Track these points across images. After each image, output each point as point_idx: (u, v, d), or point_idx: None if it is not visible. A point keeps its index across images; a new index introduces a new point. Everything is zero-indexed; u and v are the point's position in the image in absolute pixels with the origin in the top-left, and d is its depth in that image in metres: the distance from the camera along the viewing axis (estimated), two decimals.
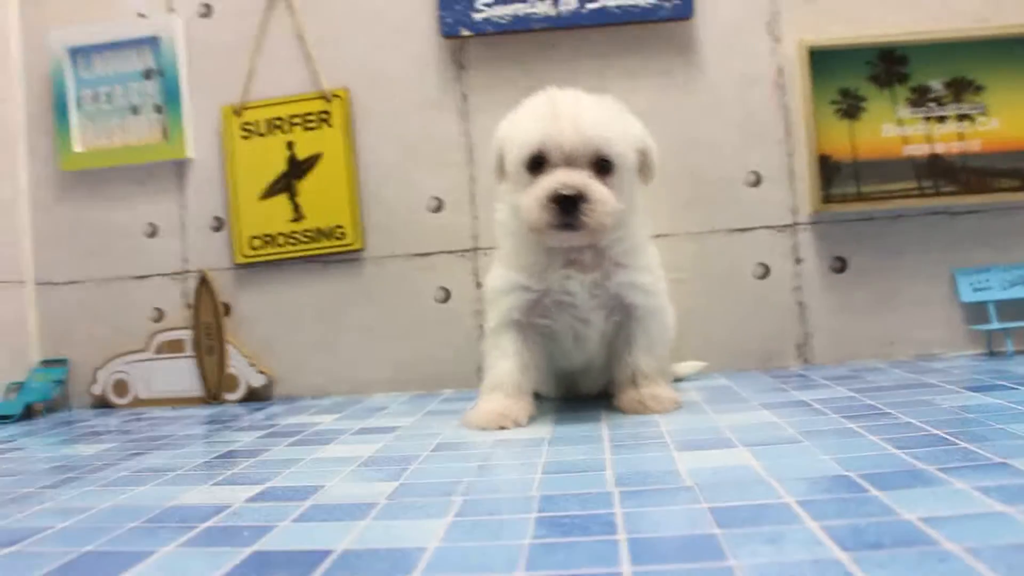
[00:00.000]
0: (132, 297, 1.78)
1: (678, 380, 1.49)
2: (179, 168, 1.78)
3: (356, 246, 1.70)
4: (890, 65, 1.61)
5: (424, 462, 0.97)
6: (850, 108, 1.61)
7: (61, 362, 1.78)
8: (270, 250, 1.72)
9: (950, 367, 1.43)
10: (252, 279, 1.74)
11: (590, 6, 1.63)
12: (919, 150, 1.60)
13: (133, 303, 1.78)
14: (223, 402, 1.70)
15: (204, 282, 1.72)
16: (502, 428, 1.15)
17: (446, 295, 1.69)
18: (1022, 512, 0.62)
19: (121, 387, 1.74)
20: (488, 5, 1.64)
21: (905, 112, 1.60)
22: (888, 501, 0.67)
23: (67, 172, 1.80)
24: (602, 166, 1.15)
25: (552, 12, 1.63)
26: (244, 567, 0.63)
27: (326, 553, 0.65)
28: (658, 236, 1.57)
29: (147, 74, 1.78)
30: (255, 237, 1.73)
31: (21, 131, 1.83)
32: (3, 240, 1.76)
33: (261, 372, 1.70)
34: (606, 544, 0.63)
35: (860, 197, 1.60)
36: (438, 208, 1.70)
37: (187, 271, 1.76)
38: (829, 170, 1.60)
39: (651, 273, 1.27)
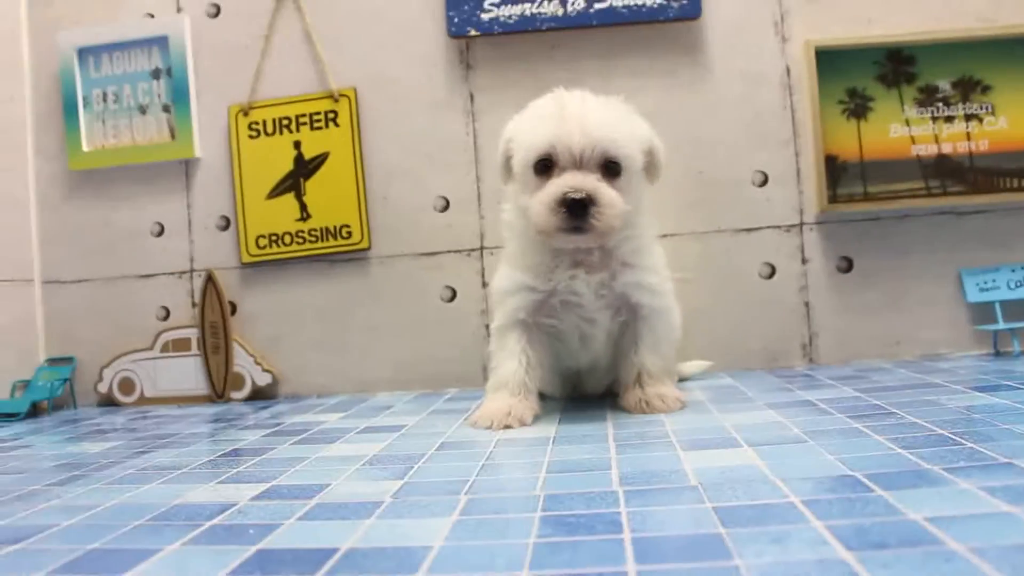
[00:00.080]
0: (139, 296, 1.79)
1: (683, 380, 1.49)
2: (186, 167, 1.78)
3: (362, 245, 1.70)
4: (897, 65, 1.60)
5: (429, 461, 0.98)
6: (857, 108, 1.60)
7: (67, 360, 1.78)
8: (276, 249, 1.73)
9: (956, 367, 1.43)
10: (258, 278, 1.75)
11: (598, 6, 1.63)
12: (926, 150, 1.60)
13: (140, 302, 1.78)
14: (229, 400, 1.71)
15: (210, 281, 1.72)
16: (507, 427, 1.15)
17: (452, 294, 1.69)
18: None
19: (127, 385, 1.75)
20: (496, 5, 1.64)
21: (912, 112, 1.60)
22: (893, 501, 0.67)
23: (75, 171, 1.81)
24: (610, 168, 1.15)
25: (560, 12, 1.63)
26: (249, 565, 0.63)
27: (331, 551, 0.65)
28: (664, 236, 1.57)
29: (155, 74, 1.79)
30: (262, 236, 1.73)
31: (29, 130, 1.83)
32: (11, 239, 1.77)
33: (267, 371, 1.70)
34: (611, 543, 0.62)
35: (867, 197, 1.59)
36: (445, 208, 1.70)
37: (194, 270, 1.77)
38: (836, 170, 1.60)
39: (657, 273, 1.27)
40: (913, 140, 1.60)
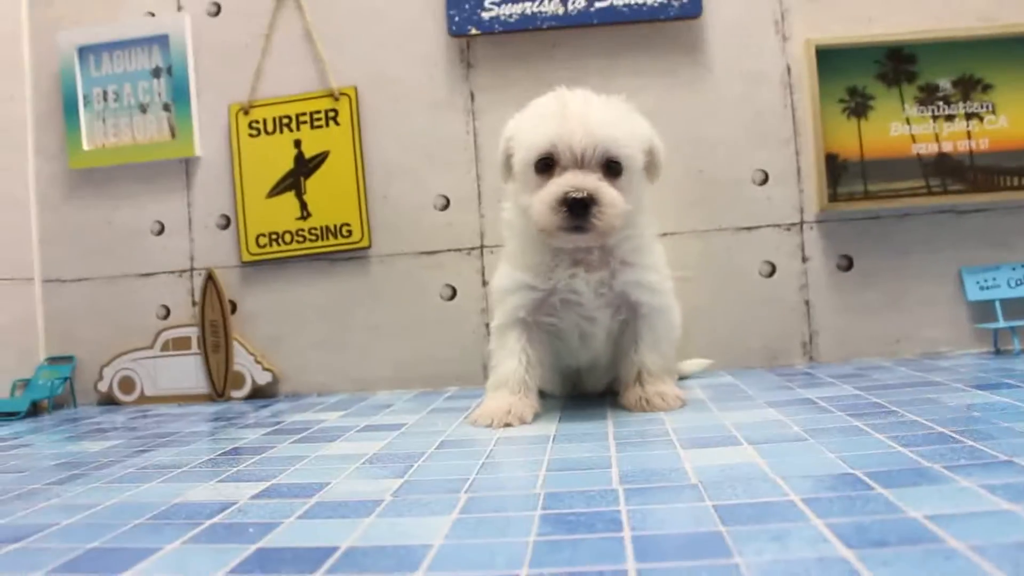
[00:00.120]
0: (139, 295, 1.79)
1: (683, 378, 1.49)
2: (187, 166, 1.78)
3: (363, 244, 1.70)
4: (898, 64, 1.60)
5: (429, 459, 0.98)
6: (858, 107, 1.60)
7: (68, 359, 1.78)
8: (277, 248, 1.73)
9: (956, 365, 1.43)
10: (259, 277, 1.75)
11: (598, 5, 1.63)
12: (927, 149, 1.60)
13: (140, 301, 1.78)
14: (229, 399, 1.71)
15: (211, 280, 1.72)
16: (507, 426, 1.15)
17: (452, 293, 1.69)
18: None
19: (127, 384, 1.75)
20: (496, 4, 1.64)
21: (913, 111, 1.60)
22: (893, 499, 0.67)
23: (75, 170, 1.81)
24: (611, 167, 1.15)
25: (560, 11, 1.63)
26: (249, 564, 0.63)
27: (331, 550, 0.65)
28: (665, 235, 1.57)
29: (156, 72, 1.79)
30: (262, 235, 1.73)
31: (29, 129, 1.84)
32: (11, 238, 1.77)
33: (267, 369, 1.70)
34: (611, 541, 0.62)
35: (867, 196, 1.59)
36: (445, 206, 1.70)
37: (194, 269, 1.77)
38: (836, 169, 1.60)
39: (657, 272, 1.27)
40: (914, 139, 1.60)
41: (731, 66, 1.65)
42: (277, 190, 1.73)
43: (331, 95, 1.72)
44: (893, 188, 1.59)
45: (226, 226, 1.76)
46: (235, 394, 1.71)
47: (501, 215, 1.33)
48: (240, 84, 1.76)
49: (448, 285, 1.69)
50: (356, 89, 1.71)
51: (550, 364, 1.28)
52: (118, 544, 0.71)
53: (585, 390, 1.39)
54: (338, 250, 1.71)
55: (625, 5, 1.62)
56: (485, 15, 1.65)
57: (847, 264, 1.62)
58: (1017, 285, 1.57)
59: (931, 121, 1.60)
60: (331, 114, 1.72)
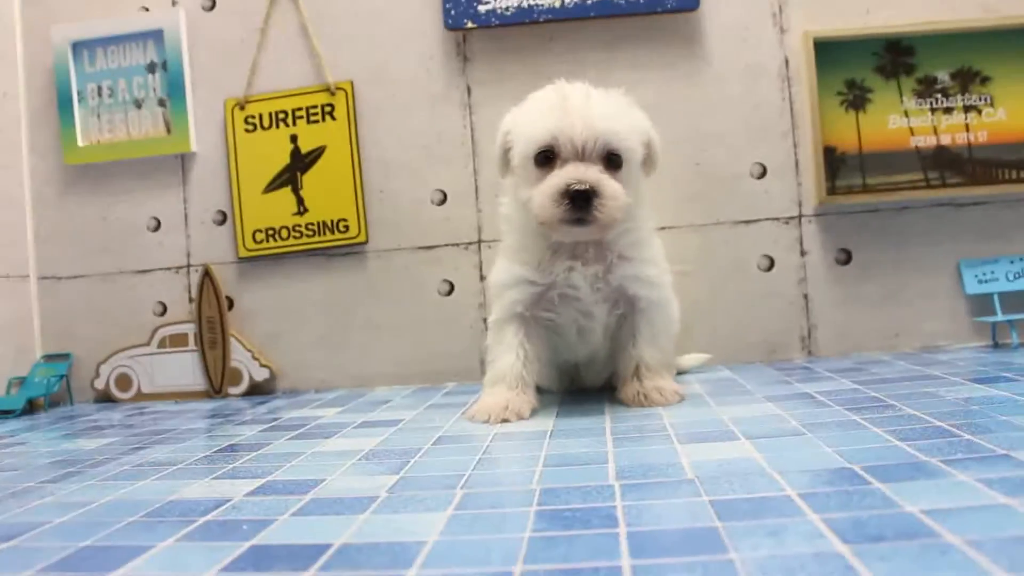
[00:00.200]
0: (135, 291, 1.78)
1: (682, 372, 1.49)
2: (182, 162, 1.78)
3: (360, 239, 1.70)
4: (896, 56, 1.60)
5: (426, 455, 0.97)
6: (856, 99, 1.60)
7: (64, 356, 1.78)
8: (273, 244, 1.72)
9: (955, 359, 1.43)
10: (255, 273, 1.74)
11: None
12: (925, 141, 1.59)
13: (136, 297, 1.78)
14: (226, 396, 1.70)
15: (207, 276, 1.72)
16: (505, 421, 1.15)
17: (450, 288, 1.68)
18: None
19: (124, 381, 1.74)
20: None
21: (911, 103, 1.59)
22: (891, 493, 0.66)
23: (70, 166, 1.80)
24: (612, 160, 1.14)
25: (557, 3, 1.62)
26: (242, 561, 0.63)
27: (325, 547, 0.65)
28: (663, 228, 1.57)
29: (151, 68, 1.78)
30: (259, 231, 1.72)
31: (24, 126, 1.83)
32: (6, 235, 1.76)
33: (264, 366, 1.70)
34: (606, 537, 0.62)
35: (865, 189, 1.59)
36: (442, 201, 1.69)
37: (191, 265, 1.76)
38: (834, 162, 1.59)
39: (655, 266, 1.26)
40: (912, 131, 1.59)
41: (729, 59, 1.64)
42: (274, 185, 1.73)
43: (327, 90, 1.71)
44: (892, 181, 1.59)
45: (222, 222, 1.76)
46: (232, 391, 1.70)
47: (499, 210, 1.32)
48: (236, 79, 1.75)
49: (446, 280, 1.68)
50: (352, 83, 1.71)
51: (548, 359, 1.28)
52: (111, 542, 0.70)
53: (583, 385, 1.39)
54: (335, 245, 1.71)
55: None
56: (481, 8, 1.64)
57: (846, 258, 1.62)
58: (1015, 279, 1.57)
59: (929, 114, 1.59)
60: (327, 109, 1.71)
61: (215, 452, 1.09)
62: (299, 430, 1.22)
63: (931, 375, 1.27)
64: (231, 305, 1.74)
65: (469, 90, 1.69)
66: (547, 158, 1.14)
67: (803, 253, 1.62)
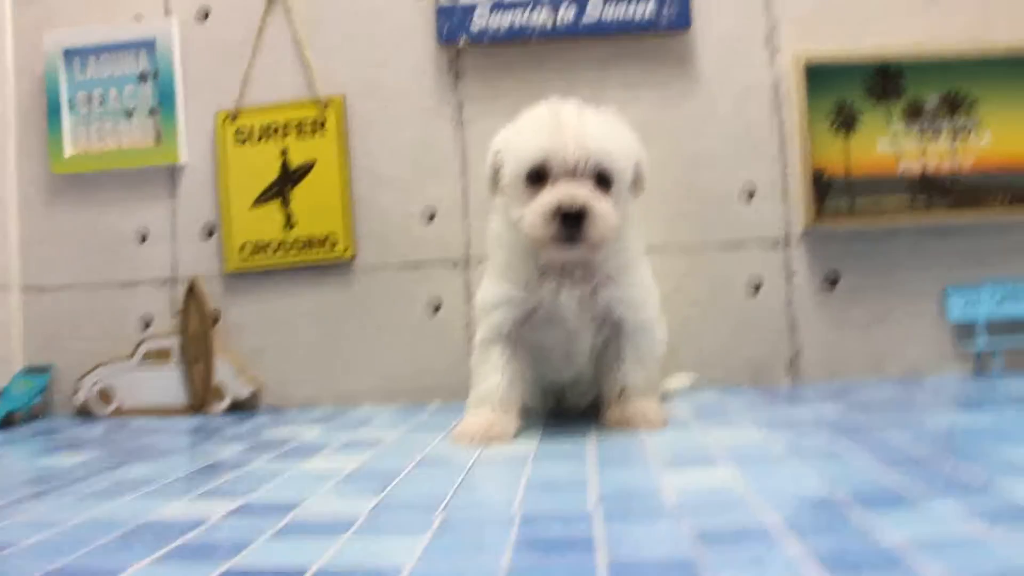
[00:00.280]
0: (120, 304, 1.76)
1: (667, 395, 1.48)
2: (171, 173, 1.77)
3: (348, 255, 1.69)
4: (886, 80, 1.60)
5: (407, 477, 0.96)
6: (845, 122, 1.60)
7: (44, 369, 1.76)
8: (261, 258, 1.71)
9: (939, 385, 1.43)
10: (242, 287, 1.73)
11: (587, 17, 1.62)
12: (913, 166, 1.60)
13: (121, 310, 1.76)
14: (209, 412, 1.68)
15: (193, 290, 1.70)
16: (488, 442, 1.14)
17: (437, 306, 1.68)
18: (1006, 535, 0.61)
19: (105, 396, 1.72)
20: (486, 14, 1.64)
21: (899, 127, 1.60)
22: (873, 523, 0.66)
23: (58, 175, 1.79)
24: (602, 180, 1.14)
25: (549, 23, 1.63)
26: None
27: (301, 572, 0.64)
28: (651, 249, 1.56)
29: (142, 77, 1.77)
30: (246, 245, 1.72)
31: (12, 132, 1.81)
32: None
33: (248, 382, 1.68)
34: (585, 565, 0.61)
35: (853, 213, 1.59)
36: (431, 218, 1.69)
37: (176, 278, 1.75)
38: (822, 185, 1.59)
39: (643, 288, 1.26)
40: (900, 156, 1.60)
41: (720, 79, 1.65)
42: (262, 199, 1.72)
43: (318, 103, 1.71)
44: (879, 206, 1.59)
45: (210, 235, 1.75)
46: (215, 407, 1.68)
47: (488, 228, 1.32)
48: (227, 91, 1.74)
49: (433, 298, 1.68)
50: (344, 97, 1.70)
51: (533, 380, 1.27)
52: (84, 563, 0.69)
53: (568, 406, 1.38)
54: (323, 261, 1.70)
55: (614, 18, 1.62)
56: (474, 25, 1.64)
57: (833, 281, 1.62)
58: (999, 305, 1.57)
59: (917, 138, 1.60)
60: (318, 123, 1.71)
61: (195, 471, 1.08)
62: (281, 449, 1.21)
63: (915, 401, 1.27)
64: (217, 320, 1.72)
65: (461, 106, 1.69)
66: (538, 176, 1.14)
67: (790, 276, 1.62)
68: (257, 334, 1.72)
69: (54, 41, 1.78)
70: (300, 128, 1.71)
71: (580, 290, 1.20)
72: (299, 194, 1.71)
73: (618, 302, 1.21)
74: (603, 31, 1.62)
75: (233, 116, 1.73)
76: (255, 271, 1.72)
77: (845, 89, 1.61)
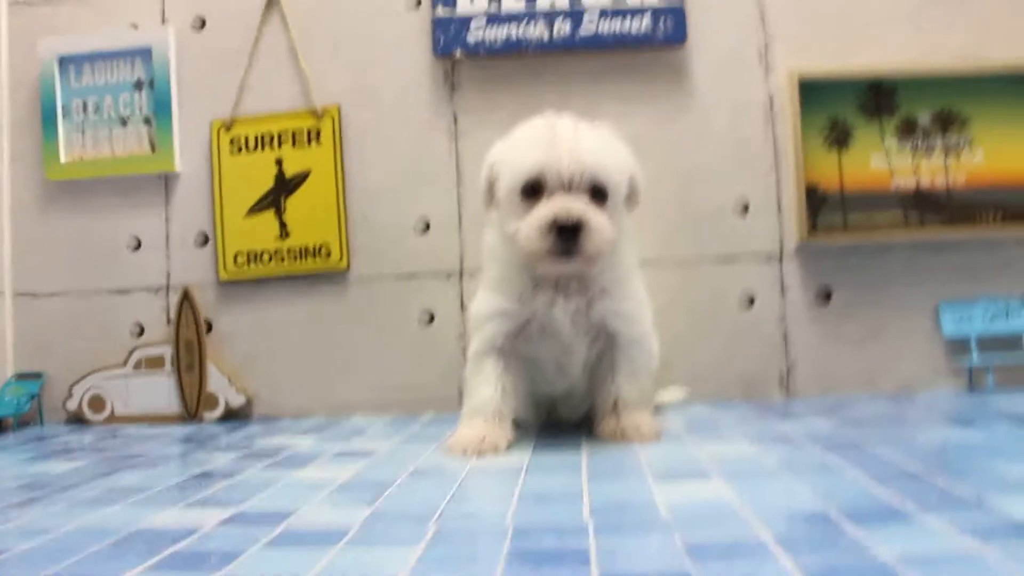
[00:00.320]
0: (113, 311, 1.76)
1: (660, 408, 1.48)
2: (166, 181, 1.77)
3: (342, 265, 1.69)
4: (879, 97, 1.61)
5: (400, 488, 0.96)
6: (839, 138, 1.61)
7: (36, 376, 1.75)
8: (255, 267, 1.71)
9: (932, 401, 1.43)
10: (236, 296, 1.73)
11: (583, 31, 1.63)
12: (906, 182, 1.61)
13: (114, 317, 1.76)
14: (201, 421, 1.68)
15: (186, 298, 1.70)
16: (481, 454, 1.14)
17: (431, 317, 1.68)
18: (999, 551, 0.61)
19: (97, 403, 1.72)
20: (482, 27, 1.65)
21: (893, 143, 1.61)
22: (865, 538, 0.66)
23: (52, 182, 1.78)
24: (598, 193, 1.14)
25: (545, 36, 1.64)
26: None
27: None
28: (645, 263, 1.56)
29: (137, 85, 1.77)
30: (240, 254, 1.71)
31: (5, 138, 1.81)
32: None
33: (241, 391, 1.68)
34: None
35: (846, 228, 1.60)
36: (425, 229, 1.69)
37: (170, 286, 1.74)
38: (816, 201, 1.60)
39: (636, 301, 1.27)
40: (893, 172, 1.61)
41: (715, 94, 1.66)
42: (257, 208, 1.72)
43: (314, 113, 1.71)
44: (872, 221, 1.60)
45: (204, 243, 1.75)
46: (208, 416, 1.68)
47: (483, 240, 1.32)
48: (223, 100, 1.74)
49: (426, 309, 1.68)
50: (339, 108, 1.71)
51: (526, 392, 1.27)
52: (75, 571, 0.69)
53: (561, 419, 1.38)
54: (317, 271, 1.70)
55: (610, 32, 1.63)
56: (470, 37, 1.65)
57: (826, 296, 1.62)
58: (992, 321, 1.58)
59: (910, 155, 1.61)
60: (313, 133, 1.71)
61: (187, 479, 1.08)
62: (274, 458, 1.21)
63: (908, 417, 1.27)
64: (210, 328, 1.72)
65: (456, 118, 1.70)
66: (534, 190, 1.14)
67: (784, 291, 1.63)
68: (250, 343, 1.72)
69: (50, 48, 1.78)
70: (295, 138, 1.72)
71: (574, 303, 1.20)
72: (294, 204, 1.71)
73: (612, 315, 1.21)
74: (599, 45, 1.63)
75: (228, 125, 1.73)
76: (249, 280, 1.72)
77: (838, 105, 1.62)
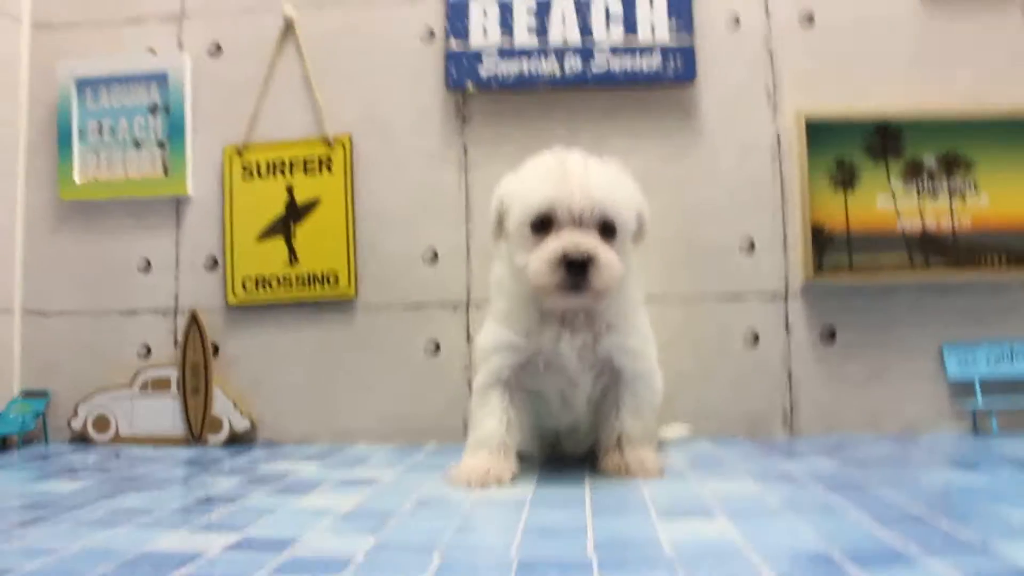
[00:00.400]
0: (121, 332, 1.77)
1: (663, 444, 1.48)
2: (177, 205, 1.78)
3: (349, 294, 1.70)
4: (885, 139, 1.63)
5: (404, 517, 0.96)
6: (845, 179, 1.63)
7: (42, 394, 1.76)
8: (263, 292, 1.72)
9: (935, 443, 1.43)
10: (243, 321, 1.74)
11: (594, 67, 1.66)
12: (911, 224, 1.62)
13: (121, 338, 1.77)
14: (205, 444, 1.68)
15: (194, 321, 1.71)
16: (485, 486, 1.14)
17: (436, 348, 1.68)
18: None
19: (102, 423, 1.72)
20: (494, 61, 1.67)
21: (898, 185, 1.62)
22: None
23: (65, 202, 1.80)
24: (606, 229, 1.16)
25: (557, 71, 1.66)
26: None
27: None
28: (651, 299, 1.57)
29: (152, 109, 1.80)
30: (249, 279, 1.73)
31: (22, 157, 1.83)
32: None
33: (245, 415, 1.68)
34: None
35: (852, 269, 1.61)
36: (433, 259, 1.70)
37: (178, 309, 1.76)
38: (822, 240, 1.61)
39: (642, 336, 1.27)
40: (898, 213, 1.62)
41: (723, 133, 1.68)
42: (267, 234, 1.73)
43: (326, 142, 1.73)
44: (877, 262, 1.61)
45: (213, 267, 1.76)
46: (212, 439, 1.68)
47: (491, 273, 1.33)
48: (236, 126, 1.77)
49: (432, 339, 1.68)
50: (351, 137, 1.73)
51: (531, 425, 1.27)
52: None
53: (564, 453, 1.38)
54: (324, 298, 1.71)
55: (621, 68, 1.65)
56: (483, 71, 1.67)
57: (830, 336, 1.63)
58: (996, 364, 1.59)
59: (916, 197, 1.62)
60: (325, 161, 1.73)
61: (192, 502, 1.08)
62: (278, 484, 1.21)
63: (911, 459, 1.27)
64: (216, 352, 1.73)
65: (466, 149, 1.72)
66: (544, 224, 1.16)
67: (788, 330, 1.63)
68: (256, 368, 1.72)
69: (68, 70, 1.80)
70: (307, 165, 1.73)
71: (581, 338, 1.21)
72: (303, 231, 1.72)
73: (618, 350, 1.22)
74: (610, 81, 1.65)
75: (241, 151, 1.75)
76: (257, 305, 1.73)
77: (845, 146, 1.63)
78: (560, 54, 1.66)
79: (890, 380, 1.62)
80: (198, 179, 1.78)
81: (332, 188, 1.72)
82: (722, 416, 1.62)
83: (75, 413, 1.73)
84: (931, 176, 1.62)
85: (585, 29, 1.67)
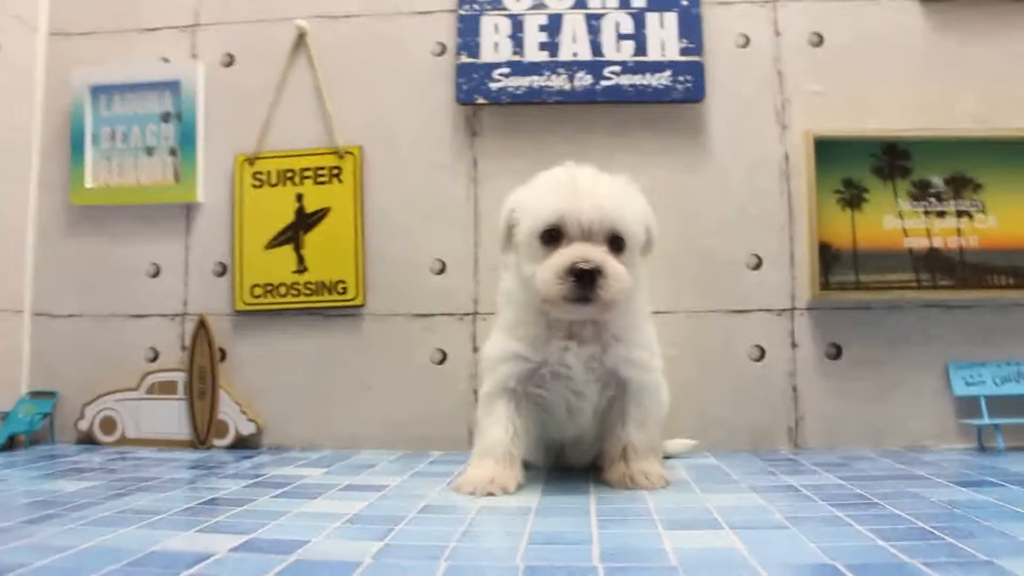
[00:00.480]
0: (129, 335, 1.78)
1: (668, 457, 1.49)
2: (187, 211, 1.80)
3: (357, 302, 1.71)
4: (893, 159, 1.64)
5: (410, 523, 0.97)
6: (852, 198, 1.64)
7: (50, 395, 1.76)
8: (271, 299, 1.73)
9: (940, 460, 1.43)
10: (250, 327, 1.75)
11: (604, 83, 1.67)
12: (918, 243, 1.62)
13: (129, 341, 1.78)
14: (211, 447, 1.69)
15: (202, 326, 1.72)
16: (490, 495, 1.14)
17: (443, 357, 1.69)
18: None
19: (109, 424, 1.73)
20: (505, 75, 1.68)
21: (906, 205, 1.63)
22: None
23: (76, 206, 1.82)
24: (615, 242, 1.17)
25: (567, 87, 1.67)
26: None
27: None
28: (658, 313, 1.58)
29: (165, 117, 1.81)
30: (257, 285, 1.74)
31: (35, 162, 1.85)
32: (5, 268, 1.77)
33: (251, 420, 1.69)
34: None
35: (858, 286, 1.61)
36: (441, 270, 1.71)
37: (186, 314, 1.77)
38: (829, 258, 1.62)
39: (648, 349, 1.28)
40: (906, 232, 1.63)
41: (731, 151, 1.69)
42: (276, 242, 1.75)
43: (336, 152, 1.74)
44: (884, 280, 1.61)
45: (222, 274, 1.77)
46: (217, 443, 1.69)
47: (499, 284, 1.34)
48: (247, 134, 1.78)
49: (439, 349, 1.69)
50: (361, 148, 1.74)
51: (536, 435, 1.28)
52: None
53: (569, 463, 1.39)
54: (332, 306, 1.72)
55: (630, 85, 1.67)
56: (493, 85, 1.69)
57: (836, 352, 1.63)
58: (1002, 383, 1.59)
59: (923, 216, 1.63)
60: (335, 171, 1.74)
61: (198, 504, 1.08)
62: (284, 488, 1.21)
63: (916, 475, 1.27)
64: (223, 357, 1.74)
65: (475, 162, 1.73)
66: (553, 236, 1.17)
67: (794, 346, 1.64)
68: (263, 373, 1.73)
69: (83, 77, 1.82)
70: (317, 175, 1.75)
71: (587, 349, 1.22)
72: (312, 240, 1.74)
73: (624, 362, 1.23)
74: (619, 98, 1.66)
75: (252, 159, 1.77)
76: (264, 311, 1.74)
77: (853, 165, 1.64)
78: (571, 69, 1.68)
79: (896, 397, 1.62)
80: (209, 186, 1.79)
81: (341, 198, 1.73)
82: (727, 429, 1.62)
83: (82, 415, 1.74)
84: (939, 196, 1.63)
85: (595, 46, 1.68)
